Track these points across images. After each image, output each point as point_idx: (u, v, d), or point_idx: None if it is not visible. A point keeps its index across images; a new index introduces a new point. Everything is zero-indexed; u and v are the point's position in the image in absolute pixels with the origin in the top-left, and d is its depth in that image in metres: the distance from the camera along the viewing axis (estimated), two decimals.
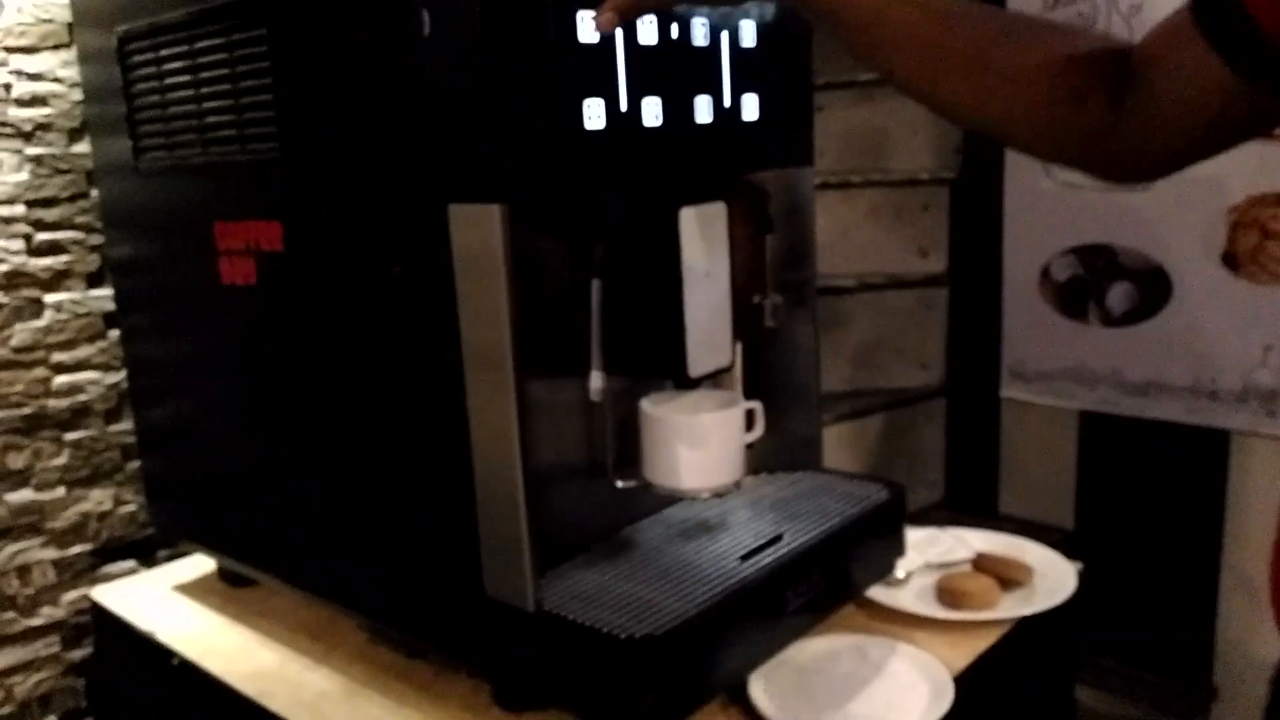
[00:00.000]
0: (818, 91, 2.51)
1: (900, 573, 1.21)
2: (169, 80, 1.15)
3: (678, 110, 0.96)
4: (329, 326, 1.04)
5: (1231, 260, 1.90)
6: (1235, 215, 1.89)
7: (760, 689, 1.00)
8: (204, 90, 1.11)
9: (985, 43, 0.76)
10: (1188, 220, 1.97)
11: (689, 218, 0.94)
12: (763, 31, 1.03)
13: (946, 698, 0.97)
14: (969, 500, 2.41)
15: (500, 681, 1.00)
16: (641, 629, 0.86)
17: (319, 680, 1.12)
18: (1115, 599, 2.01)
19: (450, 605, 0.98)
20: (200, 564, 1.42)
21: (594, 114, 0.88)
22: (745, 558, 0.99)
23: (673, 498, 1.09)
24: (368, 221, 0.96)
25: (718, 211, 0.98)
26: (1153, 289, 2.03)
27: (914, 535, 1.26)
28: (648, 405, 1.03)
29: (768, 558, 0.99)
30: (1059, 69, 0.73)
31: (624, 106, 0.90)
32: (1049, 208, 2.17)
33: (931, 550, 1.29)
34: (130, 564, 1.54)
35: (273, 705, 1.08)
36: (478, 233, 0.85)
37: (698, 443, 1.02)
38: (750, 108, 1.03)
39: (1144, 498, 2.11)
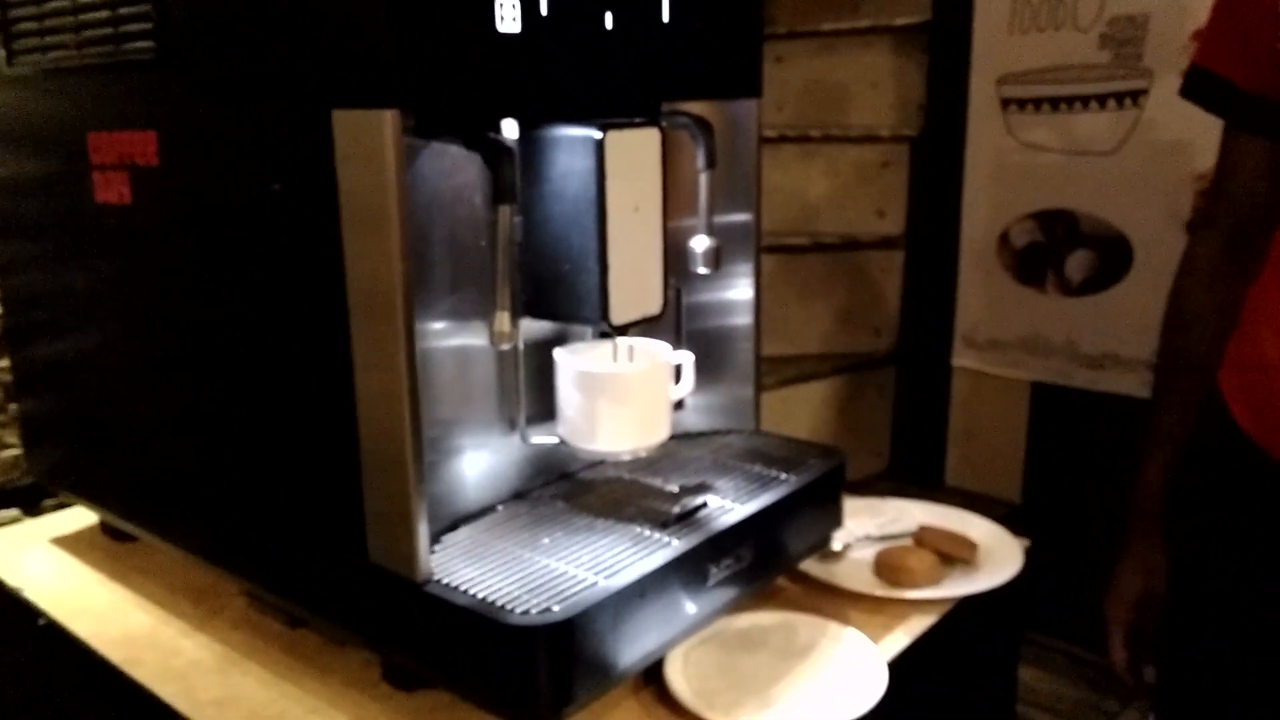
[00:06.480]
0: (778, 41, 2.42)
1: (837, 545, 1.13)
2: None
3: (608, 19, 0.85)
4: (206, 254, 0.93)
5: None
6: (1202, 183, 1.82)
7: (678, 670, 0.91)
8: None
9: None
10: (1152, 187, 1.90)
11: (616, 143, 0.83)
12: None
13: (879, 686, 0.89)
14: (915, 471, 2.35)
15: (388, 656, 0.90)
16: (542, 607, 0.76)
17: (193, 647, 1.01)
18: (1061, 576, 1.96)
19: (333, 571, 0.88)
20: (86, 515, 1.30)
21: (508, 14, 0.77)
22: (666, 525, 0.90)
23: (590, 458, 0.99)
24: (247, 131, 0.85)
25: (650, 139, 0.87)
26: (1113, 257, 1.97)
27: (853, 505, 1.18)
28: (564, 355, 0.93)
29: (691, 527, 0.90)
30: None
31: (544, 9, 0.79)
32: (1011, 170, 2.09)
33: (871, 522, 1.21)
34: (13, 512, 1.42)
35: (138, 674, 0.97)
36: (366, 143, 0.73)
37: (619, 399, 0.92)
38: (693, 24, 0.92)
39: (1094, 473, 2.06)
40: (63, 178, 1.07)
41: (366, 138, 0.73)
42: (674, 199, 0.94)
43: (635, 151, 0.86)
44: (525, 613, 0.76)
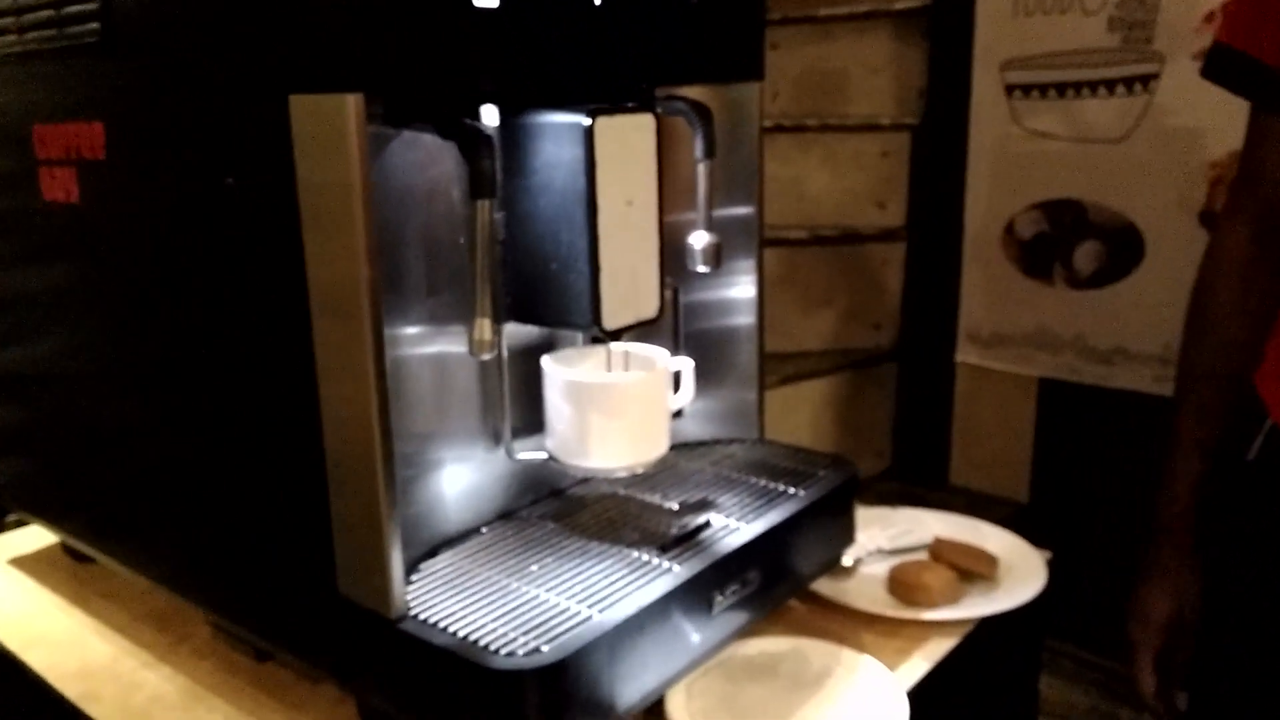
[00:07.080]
0: (773, 27, 2.34)
1: (848, 560, 1.06)
2: None
3: None
4: (157, 256, 0.85)
5: (1210, 219, 1.76)
6: (1216, 171, 1.75)
7: (680, 704, 0.84)
8: None
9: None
10: (1164, 176, 1.83)
11: (607, 130, 0.76)
12: None
13: (899, 718, 0.81)
14: (918, 470, 2.28)
15: (361, 694, 0.82)
16: (529, 647, 0.69)
17: (156, 681, 0.94)
18: (1070, 578, 1.89)
19: (300, 604, 0.80)
20: (48, 533, 1.22)
21: None
22: (666, 548, 0.82)
23: (582, 475, 0.91)
24: (198, 119, 0.77)
25: (643, 125, 0.79)
26: (1123, 249, 1.90)
27: (863, 515, 1.10)
28: (552, 364, 0.86)
29: (693, 550, 0.83)
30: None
31: None
32: (1016, 159, 2.02)
33: (882, 534, 1.13)
34: None
35: (95, 711, 0.90)
36: (326, 132, 0.66)
37: (613, 411, 0.84)
38: (689, 0, 0.85)
39: (1105, 471, 1.99)
40: (9, 175, 0.99)
41: (327, 125, 0.65)
42: (670, 191, 0.86)
43: (627, 140, 0.78)
44: (511, 654, 0.68)
